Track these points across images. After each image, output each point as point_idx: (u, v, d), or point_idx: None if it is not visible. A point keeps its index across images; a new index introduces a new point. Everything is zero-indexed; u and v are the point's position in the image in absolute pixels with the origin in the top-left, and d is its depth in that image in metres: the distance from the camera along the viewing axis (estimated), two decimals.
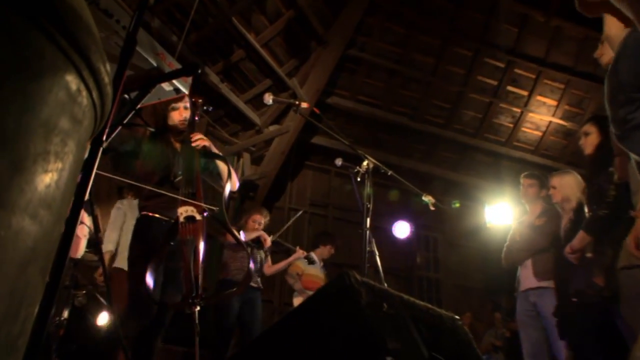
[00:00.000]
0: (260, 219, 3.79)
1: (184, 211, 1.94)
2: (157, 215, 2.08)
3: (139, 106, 1.55)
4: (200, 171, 2.10)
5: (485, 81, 6.36)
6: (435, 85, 6.33)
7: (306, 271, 4.13)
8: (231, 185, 2.13)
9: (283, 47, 5.48)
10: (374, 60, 6.03)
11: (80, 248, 3.14)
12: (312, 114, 2.82)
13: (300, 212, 3.95)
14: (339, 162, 2.81)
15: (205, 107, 2.38)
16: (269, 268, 4.02)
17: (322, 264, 4.32)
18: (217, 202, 2.05)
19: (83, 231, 3.06)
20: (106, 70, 0.38)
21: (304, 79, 5.58)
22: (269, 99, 2.36)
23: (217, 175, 2.27)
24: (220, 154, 2.30)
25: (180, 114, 2.26)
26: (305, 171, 7.06)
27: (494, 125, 6.83)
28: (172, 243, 1.96)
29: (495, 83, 6.37)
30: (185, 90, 2.03)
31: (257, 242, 3.71)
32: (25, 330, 0.29)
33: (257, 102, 5.84)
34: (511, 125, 6.82)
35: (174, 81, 2.03)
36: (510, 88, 6.42)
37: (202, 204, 1.98)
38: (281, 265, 4.07)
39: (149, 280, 1.85)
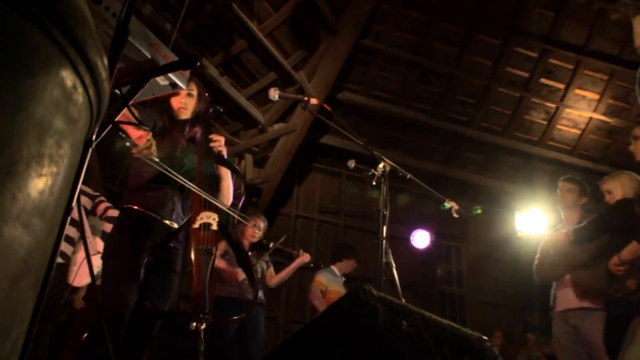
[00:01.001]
0: (260, 223, 3.81)
1: (205, 217, 1.93)
2: (146, 212, 2.04)
3: (131, 102, 1.57)
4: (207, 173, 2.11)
5: (515, 73, 6.32)
6: (458, 79, 6.30)
7: (329, 287, 4.13)
8: (225, 200, 2.15)
9: (289, 36, 5.51)
10: (390, 51, 6.03)
11: (83, 277, 3.09)
12: (322, 111, 2.83)
13: (282, 238, 3.89)
14: (351, 164, 2.81)
15: (219, 109, 2.40)
16: (273, 278, 4.00)
17: (343, 279, 4.34)
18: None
19: (97, 262, 2.95)
20: (103, 65, 0.38)
21: (313, 72, 5.60)
22: (274, 94, 2.37)
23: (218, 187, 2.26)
24: (232, 164, 2.28)
25: (179, 100, 2.22)
26: (313, 174, 7.07)
27: (525, 123, 6.78)
28: (171, 245, 1.95)
29: (526, 75, 6.33)
30: (182, 85, 2.05)
31: (258, 251, 3.72)
32: (16, 350, 0.30)
33: (260, 98, 5.88)
34: (545, 123, 6.76)
35: (171, 75, 2.06)
36: (544, 80, 6.36)
37: (235, 212, 1.97)
38: (285, 272, 4.05)
39: (128, 280, 1.83)
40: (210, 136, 2.19)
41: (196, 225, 1.91)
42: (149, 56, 1.96)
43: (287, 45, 5.57)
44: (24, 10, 0.32)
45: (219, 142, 2.17)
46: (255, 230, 3.76)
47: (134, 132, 1.86)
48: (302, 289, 4.43)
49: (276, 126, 6.01)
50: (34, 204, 0.32)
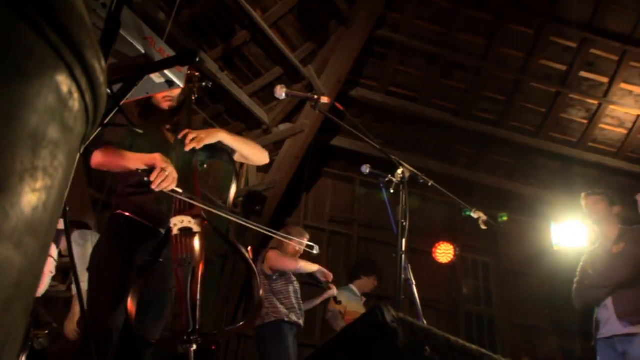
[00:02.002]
0: (304, 238, 3.83)
1: (178, 222, 1.92)
2: (136, 218, 2.04)
3: (123, 102, 1.59)
4: (199, 168, 2.11)
5: (551, 66, 6.29)
6: (486, 73, 6.28)
7: (349, 307, 4.17)
8: (259, 160, 2.13)
9: (296, 27, 5.54)
10: (409, 42, 6.03)
11: (42, 286, 3.14)
12: (333, 109, 2.83)
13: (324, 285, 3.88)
14: (366, 169, 2.81)
15: (204, 84, 2.35)
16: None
17: (364, 299, 4.37)
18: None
19: (49, 266, 3.01)
20: (101, 68, 0.39)
21: (323, 66, 5.63)
22: (281, 92, 2.39)
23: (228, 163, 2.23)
24: (225, 147, 2.22)
25: (165, 99, 2.21)
26: (323, 180, 7.08)
27: (562, 122, 6.73)
28: (160, 260, 1.95)
29: (564, 68, 6.29)
30: (180, 83, 2.07)
31: (301, 277, 3.76)
32: None
33: (264, 95, 5.91)
34: (585, 122, 6.70)
35: (167, 72, 2.08)
36: (584, 74, 6.31)
37: (213, 208, 1.95)
38: (312, 303, 4.14)
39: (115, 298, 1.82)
40: (180, 135, 2.13)
41: (175, 232, 1.91)
42: (143, 51, 1.98)
43: (294, 37, 5.60)
44: (17, 9, 0.33)
45: (192, 141, 2.10)
46: (299, 247, 3.80)
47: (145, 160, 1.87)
48: (315, 308, 4.43)
49: (282, 127, 6.04)
50: (27, 222, 0.33)
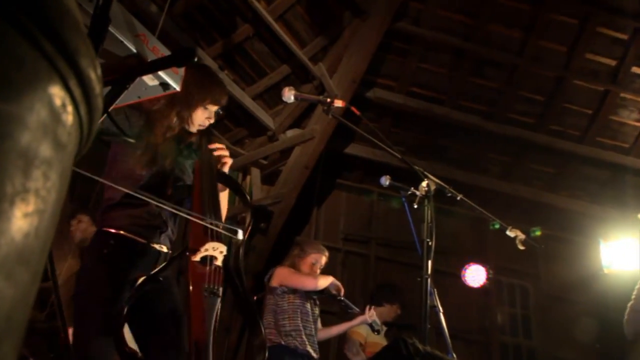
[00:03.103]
0: (320, 259, 3.86)
1: (211, 248, 1.94)
2: (128, 235, 2.03)
3: (112, 108, 1.62)
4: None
5: (598, 61, 6.26)
6: (522, 70, 6.27)
7: (369, 339, 4.18)
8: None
9: (305, 20, 5.59)
10: (434, 36, 6.05)
11: None
12: (348, 113, 2.85)
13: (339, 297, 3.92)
14: (385, 180, 2.82)
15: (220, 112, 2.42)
16: (321, 332, 4.07)
17: (384, 328, 4.36)
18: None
19: None
20: (97, 77, 0.41)
21: (335, 64, 5.66)
22: (289, 94, 2.41)
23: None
24: (237, 183, 2.31)
25: (208, 115, 2.24)
26: (337, 193, 7.09)
27: (612, 125, 6.68)
28: (161, 279, 1.95)
29: (613, 63, 6.26)
30: (175, 86, 2.10)
31: (310, 293, 3.75)
32: None
33: (269, 98, 5.95)
34: (639, 124, 6.64)
35: (161, 73, 2.12)
36: (637, 70, 6.27)
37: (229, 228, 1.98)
38: (338, 329, 4.12)
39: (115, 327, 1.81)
40: (211, 145, 2.22)
41: (197, 258, 1.93)
42: (134, 50, 2.02)
43: (303, 31, 5.65)
44: (8, 17, 0.34)
45: (223, 152, 2.21)
46: (315, 267, 3.83)
47: None
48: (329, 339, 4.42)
49: (290, 133, 6.07)
50: (17, 250, 0.34)
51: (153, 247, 2.09)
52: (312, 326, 3.73)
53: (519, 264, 7.01)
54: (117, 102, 2.10)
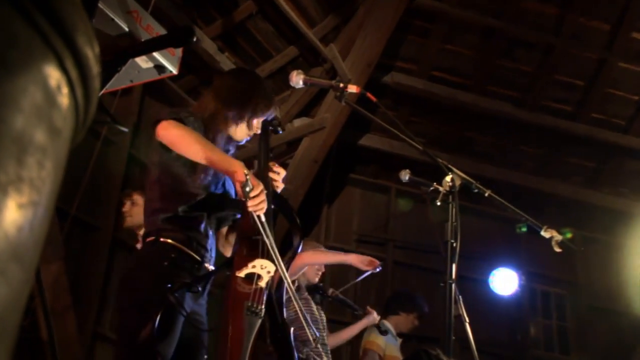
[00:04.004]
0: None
1: (259, 266, 2.01)
2: (187, 250, 2.12)
3: (102, 92, 1.63)
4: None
5: None
6: (559, 51, 6.23)
7: (387, 351, 4.21)
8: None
9: None
10: (459, 13, 6.02)
11: None
12: (362, 100, 2.84)
13: (370, 271, 3.98)
14: (405, 175, 2.81)
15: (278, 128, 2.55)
16: (331, 338, 4.10)
17: (399, 339, 4.39)
18: None
19: None
20: (95, 57, 0.41)
21: (348, 46, 5.65)
22: (297, 79, 2.41)
23: None
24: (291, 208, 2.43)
25: (256, 127, 2.37)
26: (350, 189, 7.09)
27: None
28: (199, 289, 2.03)
29: None
30: (173, 69, 2.14)
31: (315, 293, 3.81)
32: None
33: (275, 83, 5.95)
34: None
35: (156, 55, 2.14)
36: None
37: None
38: (346, 333, 4.19)
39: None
40: (272, 164, 2.33)
41: (242, 274, 1.99)
42: (126, 29, 2.04)
43: (312, 9, 5.65)
44: None
45: (279, 176, 2.31)
46: (321, 267, 3.88)
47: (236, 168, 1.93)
48: (340, 348, 4.44)
49: (297, 122, 6.07)
50: (11, 246, 0.35)
51: (206, 267, 2.18)
52: (324, 334, 3.77)
53: (555, 269, 6.98)
54: (107, 86, 2.12)
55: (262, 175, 2.26)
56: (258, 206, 1.91)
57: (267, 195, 2.21)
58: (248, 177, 1.84)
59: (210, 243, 2.24)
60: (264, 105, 2.36)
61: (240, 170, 1.87)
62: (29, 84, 0.36)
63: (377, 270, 4.02)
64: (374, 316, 4.17)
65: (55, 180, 0.40)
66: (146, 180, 2.30)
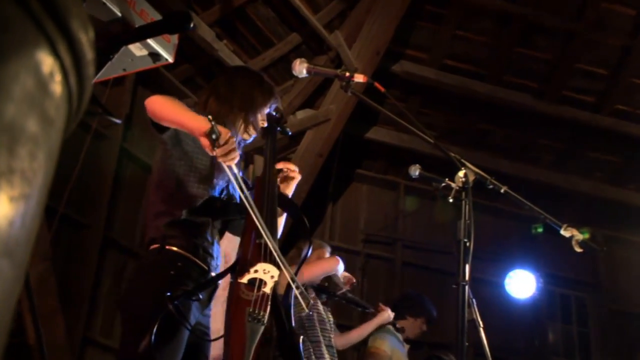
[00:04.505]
0: (323, 255, 3.97)
1: (262, 270, 2.03)
2: (193, 258, 2.16)
3: (93, 81, 1.64)
4: None
5: None
6: (581, 38, 6.21)
7: (394, 357, 4.23)
8: None
9: None
10: None
11: None
12: (370, 90, 2.84)
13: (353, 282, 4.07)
14: (415, 171, 2.81)
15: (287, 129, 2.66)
16: (340, 338, 4.14)
17: (407, 345, 4.40)
18: None
19: None
20: (89, 42, 0.41)
21: (355, 33, 5.65)
22: (300, 68, 2.41)
23: None
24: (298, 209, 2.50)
25: (261, 121, 2.45)
26: (357, 186, 7.09)
27: None
28: (200, 297, 2.05)
29: None
30: (168, 57, 2.14)
31: (321, 293, 3.83)
32: None
33: (276, 73, 5.95)
34: None
35: (150, 42, 2.15)
36: None
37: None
38: (357, 333, 4.22)
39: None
40: (281, 165, 2.40)
41: (244, 279, 2.01)
42: (119, 14, 2.05)
43: None
44: None
45: (292, 173, 2.41)
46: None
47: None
48: (345, 352, 4.45)
49: (300, 114, 6.07)
50: (1, 240, 0.35)
51: (210, 274, 2.21)
52: (331, 335, 3.79)
53: (575, 271, 6.98)
54: (98, 75, 2.13)
55: (269, 177, 2.30)
56: (228, 155, 1.91)
57: (272, 195, 2.24)
58: (213, 123, 1.84)
59: (216, 250, 2.27)
60: (265, 99, 2.42)
61: (204, 121, 1.88)
62: (20, 71, 0.36)
63: (379, 307, 4.10)
64: (388, 314, 4.19)
65: (47, 172, 0.40)
66: (149, 183, 2.33)
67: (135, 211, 5.31)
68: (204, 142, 1.89)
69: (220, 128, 1.86)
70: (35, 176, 0.38)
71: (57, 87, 0.40)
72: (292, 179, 2.47)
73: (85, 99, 0.44)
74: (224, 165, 1.95)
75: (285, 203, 2.38)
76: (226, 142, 1.88)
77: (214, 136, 1.83)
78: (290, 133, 2.67)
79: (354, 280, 4.01)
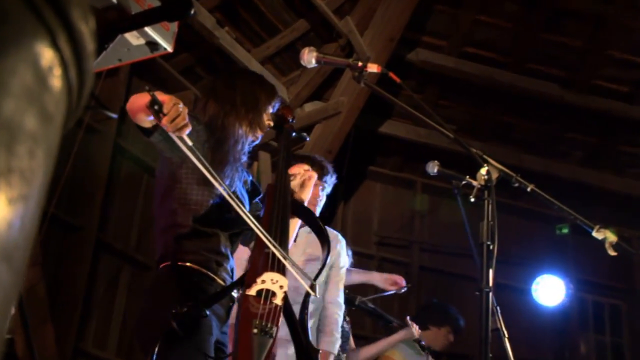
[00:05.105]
0: None
1: (269, 280, 2.07)
2: (209, 273, 2.18)
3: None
4: None
5: None
6: (613, 23, 6.18)
7: None
8: None
9: None
10: None
11: None
12: (384, 81, 2.84)
13: (394, 291, 4.09)
14: (433, 167, 2.81)
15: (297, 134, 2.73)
16: (360, 353, 4.16)
17: (429, 358, 4.40)
18: None
19: None
20: (90, 33, 0.42)
21: (367, 18, 5.65)
22: (309, 57, 2.42)
23: None
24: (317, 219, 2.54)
25: (267, 121, 2.48)
26: (369, 184, 7.09)
27: None
28: (208, 314, 2.06)
29: None
30: (167, 46, 2.15)
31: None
32: None
33: (282, 62, 5.97)
34: None
35: (148, 30, 2.16)
36: None
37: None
38: (378, 347, 4.23)
39: None
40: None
41: (252, 291, 2.04)
42: (114, 0, 2.06)
43: None
44: None
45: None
46: None
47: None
48: None
49: (308, 107, 6.08)
50: (1, 244, 0.36)
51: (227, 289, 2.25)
52: (345, 347, 3.81)
53: (608, 276, 6.95)
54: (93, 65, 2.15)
55: (282, 182, 2.35)
56: (176, 123, 1.86)
57: (286, 201, 2.27)
58: (152, 93, 1.81)
59: (231, 264, 2.31)
60: (269, 97, 2.47)
61: (143, 96, 1.86)
62: (18, 64, 0.37)
63: (402, 291, 4.09)
64: (413, 330, 4.15)
65: (46, 171, 0.41)
66: (154, 195, 2.35)
67: (131, 212, 5.34)
68: (148, 116, 1.89)
69: (162, 96, 1.84)
70: (35, 176, 0.39)
71: (56, 81, 0.40)
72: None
73: (86, 93, 0.44)
74: (175, 137, 1.91)
75: (301, 212, 2.43)
76: (170, 110, 1.83)
77: (156, 107, 1.79)
78: (307, 139, 2.72)
79: (402, 282, 4.00)
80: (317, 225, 2.43)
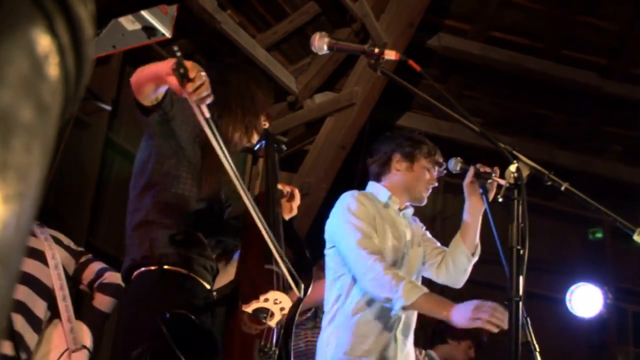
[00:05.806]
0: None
1: (272, 299, 2.07)
2: (198, 278, 2.21)
3: None
4: None
5: None
6: None
7: None
8: None
9: None
10: None
11: None
12: (402, 69, 2.84)
13: None
14: (456, 165, 2.83)
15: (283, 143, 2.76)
16: None
17: None
18: None
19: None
20: (89, 17, 0.43)
21: (383, 1, 5.64)
22: (321, 43, 2.43)
23: None
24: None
25: (265, 118, 2.55)
26: None
27: None
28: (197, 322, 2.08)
29: None
30: (165, 31, 2.17)
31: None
32: None
33: (290, 49, 5.97)
34: None
35: (145, 14, 2.17)
36: None
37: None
38: None
39: None
40: (283, 186, 2.49)
41: (250, 308, 2.05)
42: None
43: None
44: None
45: (295, 200, 2.53)
46: None
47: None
48: None
49: (319, 97, 6.08)
50: None
51: (212, 296, 2.27)
52: None
53: None
54: None
55: (271, 197, 2.36)
56: (200, 91, 1.91)
57: (277, 220, 2.30)
58: (179, 54, 1.85)
59: (216, 269, 2.34)
60: (266, 97, 2.52)
61: (169, 61, 1.90)
62: (15, 51, 0.38)
63: None
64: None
65: (43, 167, 0.42)
66: (131, 185, 2.34)
67: (123, 214, 5.34)
68: (172, 81, 1.90)
69: (187, 62, 1.87)
70: (31, 172, 0.40)
71: (53, 70, 0.41)
72: (292, 202, 2.55)
73: (83, 82, 0.45)
74: (195, 106, 1.94)
75: (289, 232, 2.44)
76: (195, 76, 1.88)
77: (181, 70, 1.83)
78: (285, 149, 2.71)
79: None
80: (302, 251, 2.46)
